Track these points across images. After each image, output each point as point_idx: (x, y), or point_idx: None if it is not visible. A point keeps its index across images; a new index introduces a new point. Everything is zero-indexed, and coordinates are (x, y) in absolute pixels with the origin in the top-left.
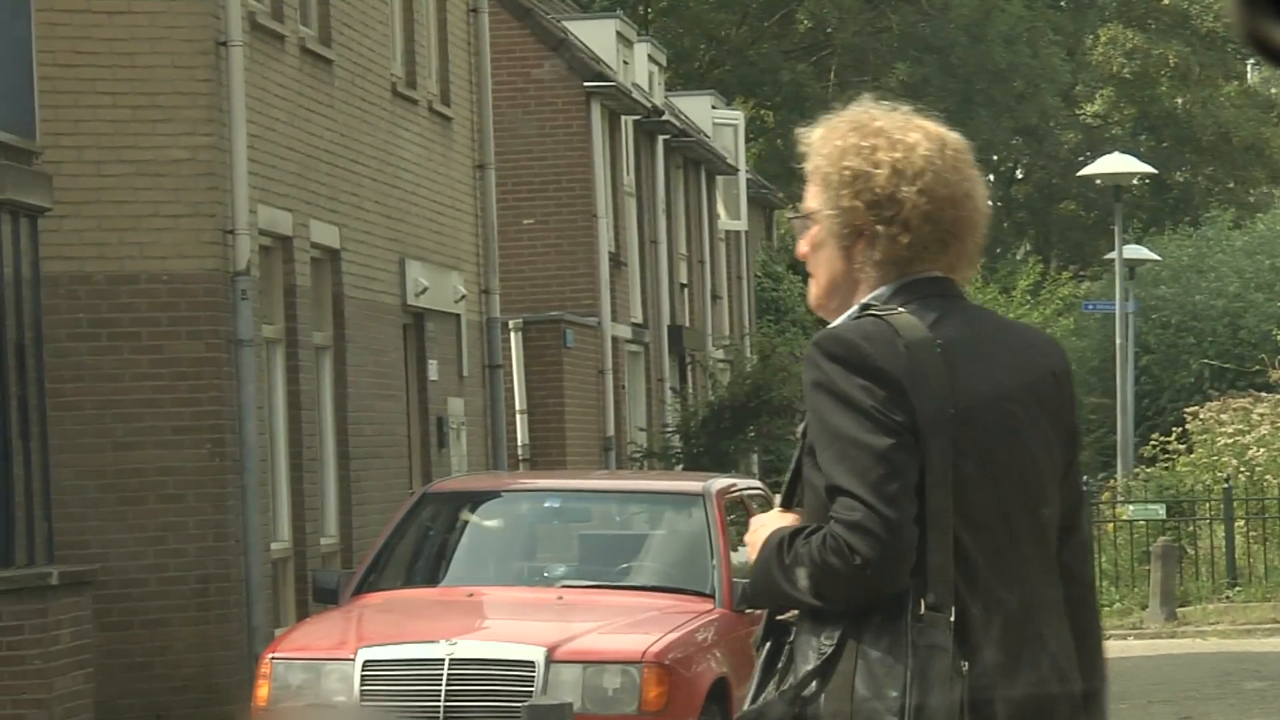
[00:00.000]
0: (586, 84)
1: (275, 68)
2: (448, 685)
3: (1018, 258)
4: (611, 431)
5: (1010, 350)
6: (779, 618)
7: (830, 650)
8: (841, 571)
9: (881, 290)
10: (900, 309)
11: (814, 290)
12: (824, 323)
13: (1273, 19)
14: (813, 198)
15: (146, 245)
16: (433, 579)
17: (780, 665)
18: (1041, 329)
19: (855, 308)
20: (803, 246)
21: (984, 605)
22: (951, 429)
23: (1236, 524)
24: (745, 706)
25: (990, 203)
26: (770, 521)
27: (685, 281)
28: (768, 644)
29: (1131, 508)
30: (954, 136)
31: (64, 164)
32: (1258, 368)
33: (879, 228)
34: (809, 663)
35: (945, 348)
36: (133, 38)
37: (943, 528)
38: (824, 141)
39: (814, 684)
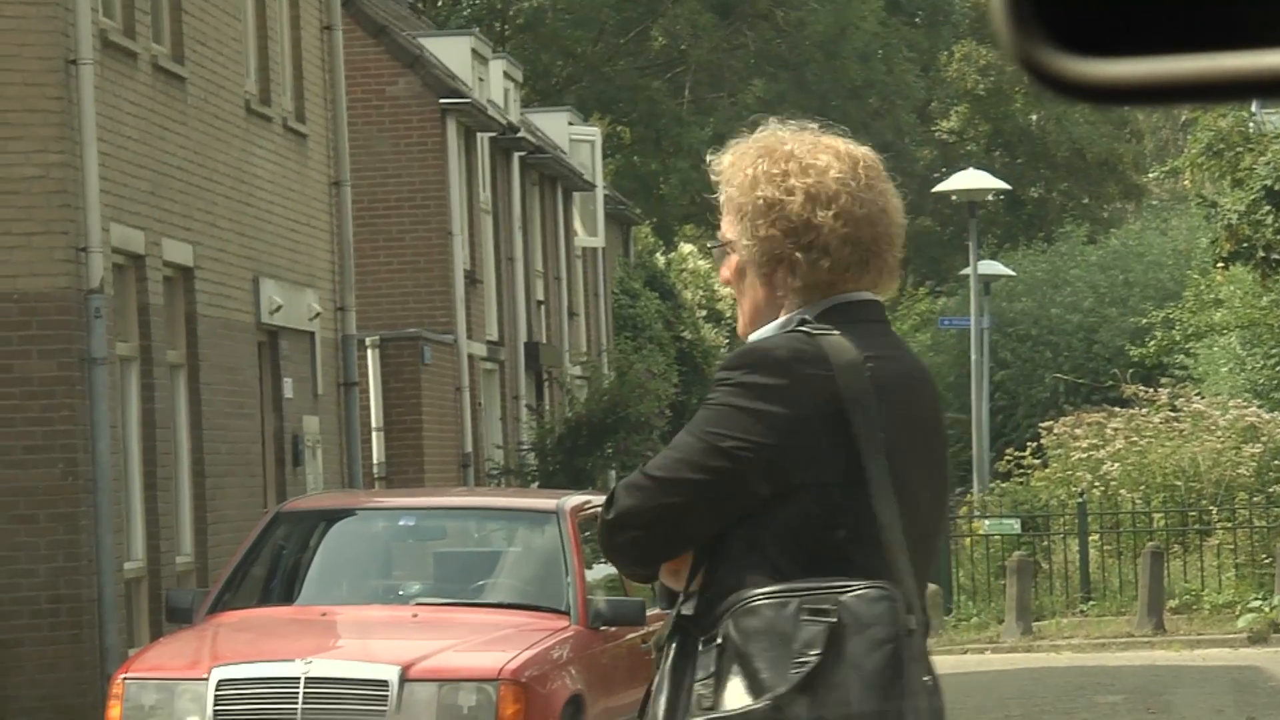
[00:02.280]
0: (442, 101)
1: (127, 85)
2: (303, 704)
3: None
4: (469, 449)
5: (919, 380)
6: (682, 614)
7: (815, 661)
8: (600, 526)
9: (805, 311)
10: (833, 331)
11: (740, 318)
12: (681, 341)
13: (1044, 43)
14: (729, 227)
15: None
16: (288, 598)
17: (710, 669)
18: None
19: (778, 322)
20: (725, 274)
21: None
22: (883, 450)
23: (1090, 538)
24: (659, 713)
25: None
26: None
27: (542, 298)
28: (673, 644)
29: (987, 523)
30: (864, 152)
31: None
32: (1111, 383)
33: (798, 254)
34: (781, 673)
35: (873, 372)
36: None
37: (898, 542)
38: (735, 170)
39: (799, 695)
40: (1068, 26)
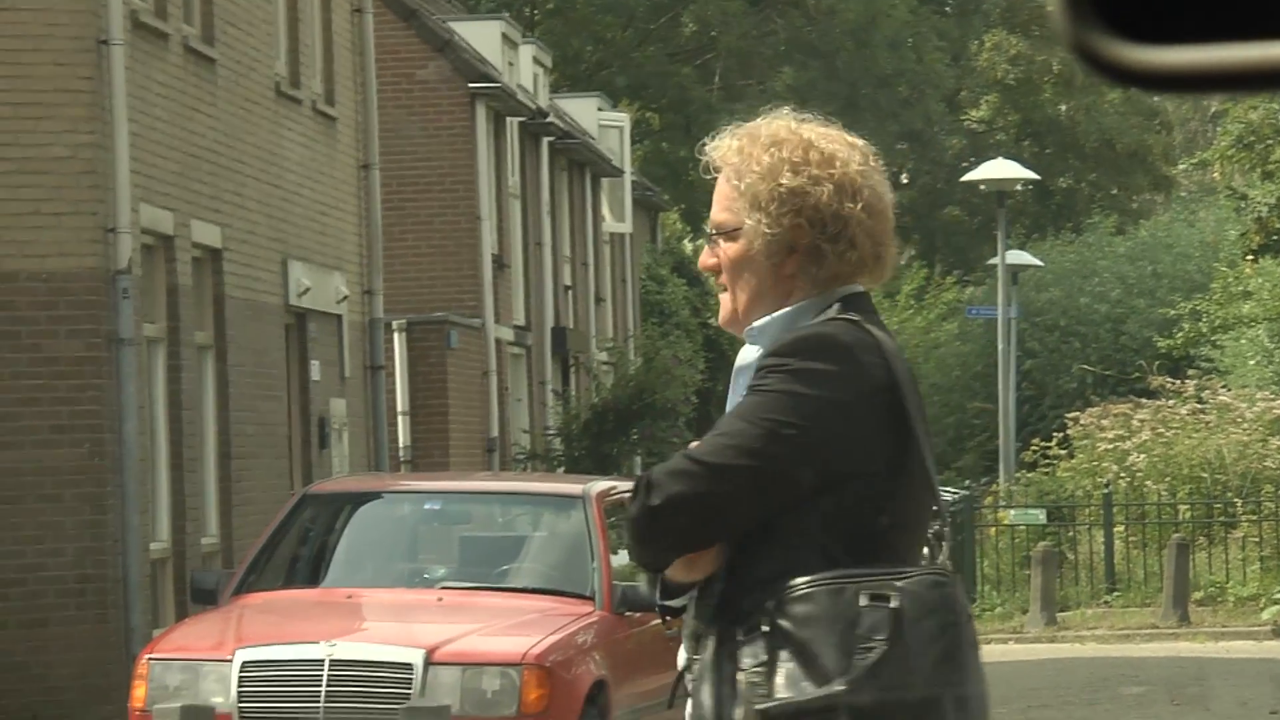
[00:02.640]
0: (471, 85)
1: (158, 66)
2: (327, 686)
3: (902, 262)
4: (495, 433)
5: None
6: (720, 603)
7: (883, 646)
8: (631, 512)
9: (820, 300)
10: (863, 320)
11: (730, 305)
12: (708, 328)
13: (1098, 31)
14: (735, 213)
15: (26, 243)
16: (313, 580)
17: (761, 658)
18: (926, 333)
19: (792, 309)
20: (708, 259)
21: None
22: (921, 438)
23: (1116, 529)
24: (706, 702)
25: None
26: None
27: (569, 284)
28: (712, 634)
29: (1013, 513)
30: (864, 144)
31: None
32: (1138, 374)
33: (825, 245)
34: (846, 658)
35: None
36: (14, 35)
37: (925, 533)
38: (746, 157)
39: (868, 678)
40: (1123, 14)
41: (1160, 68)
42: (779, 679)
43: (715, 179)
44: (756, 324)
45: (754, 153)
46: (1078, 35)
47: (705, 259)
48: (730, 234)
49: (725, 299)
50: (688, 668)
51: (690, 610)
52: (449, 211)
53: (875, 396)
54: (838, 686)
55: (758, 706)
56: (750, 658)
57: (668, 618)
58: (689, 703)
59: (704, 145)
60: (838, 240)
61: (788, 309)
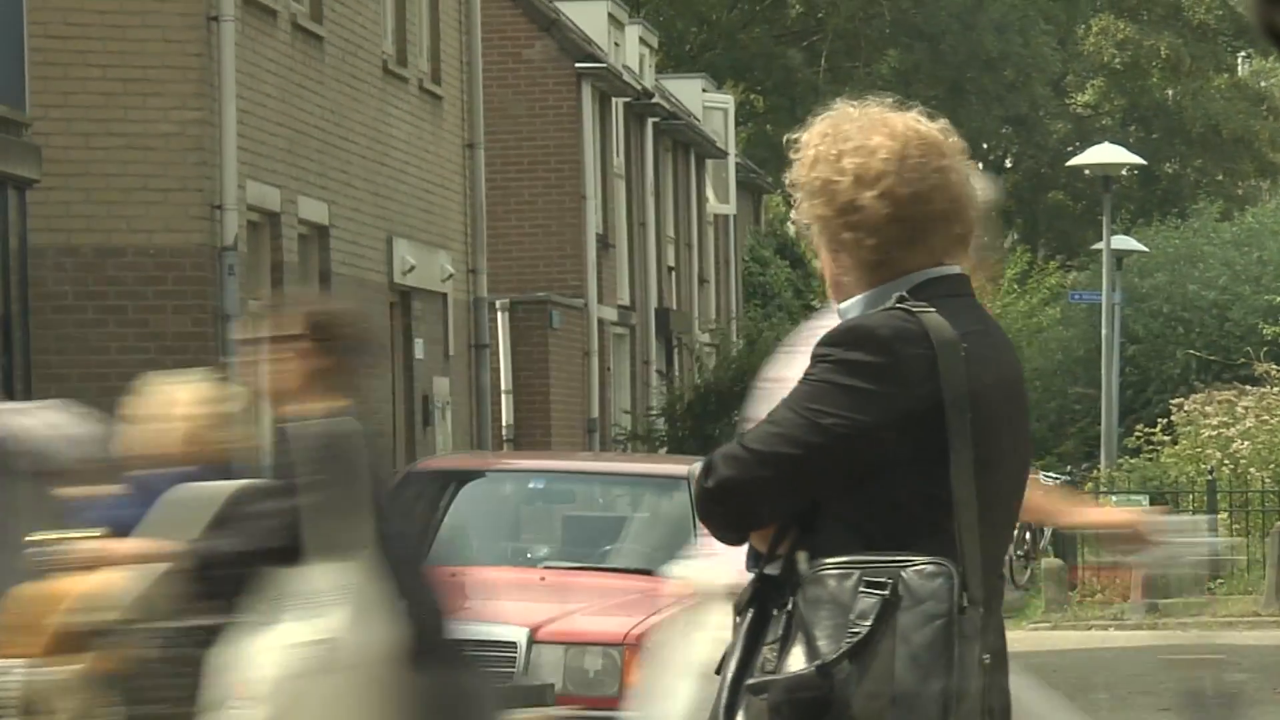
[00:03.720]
0: (577, 65)
1: (266, 44)
2: None
3: (1005, 246)
4: (596, 413)
5: (1005, 350)
6: (762, 581)
7: (865, 632)
8: (696, 493)
9: (890, 286)
10: (930, 308)
11: (831, 293)
12: (811, 309)
13: None
14: (797, 206)
15: (134, 219)
16: None
17: (779, 635)
18: (1029, 318)
19: (863, 297)
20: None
21: (986, 595)
22: (969, 431)
23: (1219, 516)
24: (729, 674)
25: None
26: None
27: (673, 265)
28: (751, 609)
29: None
30: (926, 130)
31: (53, 136)
32: (1243, 360)
33: (846, 234)
34: (835, 642)
35: (967, 350)
36: (124, 11)
37: (969, 521)
38: (801, 150)
39: (847, 664)
40: None
41: None
42: (789, 657)
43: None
44: (840, 307)
45: (805, 146)
46: (1268, 13)
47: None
48: (813, 229)
49: (831, 290)
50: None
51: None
52: (553, 191)
53: (918, 388)
54: (812, 667)
55: (748, 681)
56: (772, 634)
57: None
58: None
59: (789, 141)
60: (856, 229)
61: (866, 294)
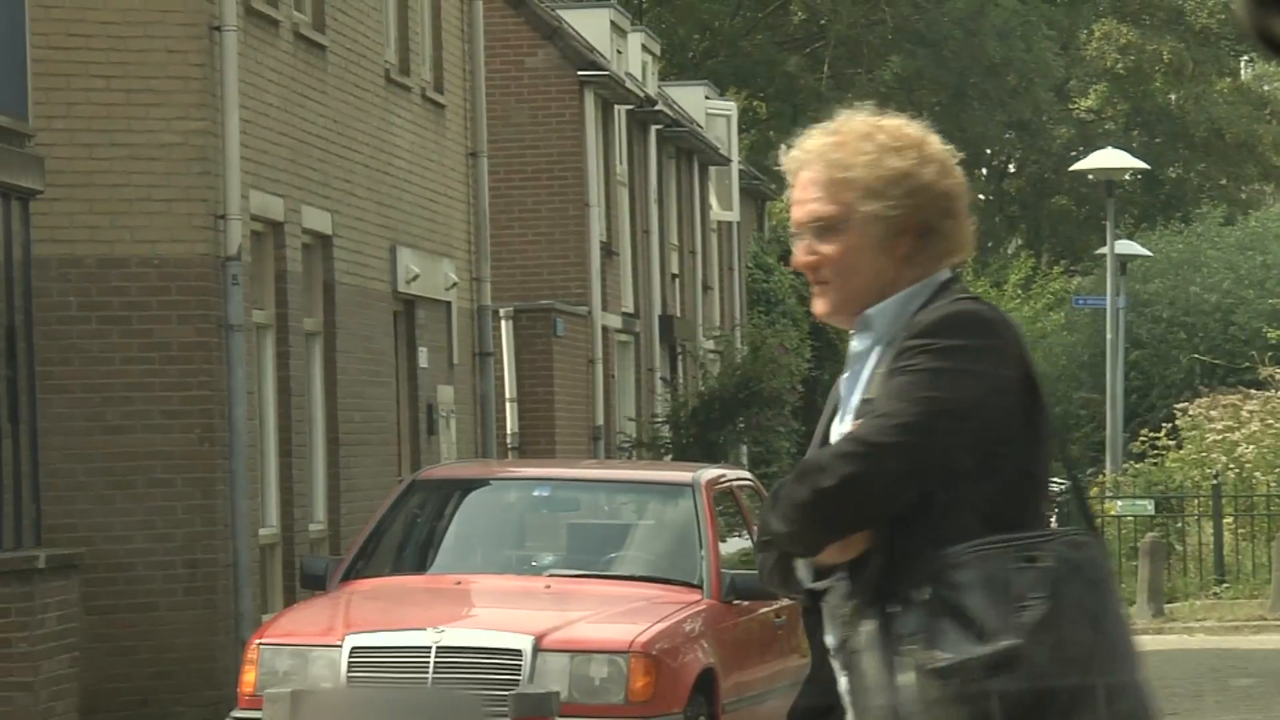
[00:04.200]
0: (580, 73)
1: (269, 53)
2: (435, 673)
3: (1009, 252)
4: (600, 421)
5: None
6: (875, 580)
7: (1042, 604)
8: (799, 497)
9: (926, 283)
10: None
11: (835, 297)
12: (809, 314)
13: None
14: (843, 204)
15: (138, 229)
16: (421, 566)
17: (918, 627)
18: (1033, 323)
19: (906, 292)
20: (805, 257)
21: None
22: (1047, 407)
23: (1225, 521)
24: (872, 671)
25: (981, 197)
26: None
27: (676, 272)
28: (871, 610)
29: (1120, 503)
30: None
31: (56, 147)
32: (1248, 365)
33: (938, 223)
34: (1004, 620)
35: None
36: (126, 21)
37: (1047, 498)
38: (846, 148)
39: (1031, 637)
40: None
41: None
42: (941, 645)
43: (794, 181)
44: (870, 311)
45: (852, 143)
46: (1259, 18)
47: (802, 257)
48: (836, 226)
49: (825, 292)
50: (841, 646)
51: (840, 589)
52: (557, 199)
53: (1016, 369)
54: (1007, 640)
55: (931, 666)
56: (911, 627)
57: (811, 602)
58: (842, 680)
59: (784, 152)
60: (947, 216)
61: (898, 295)
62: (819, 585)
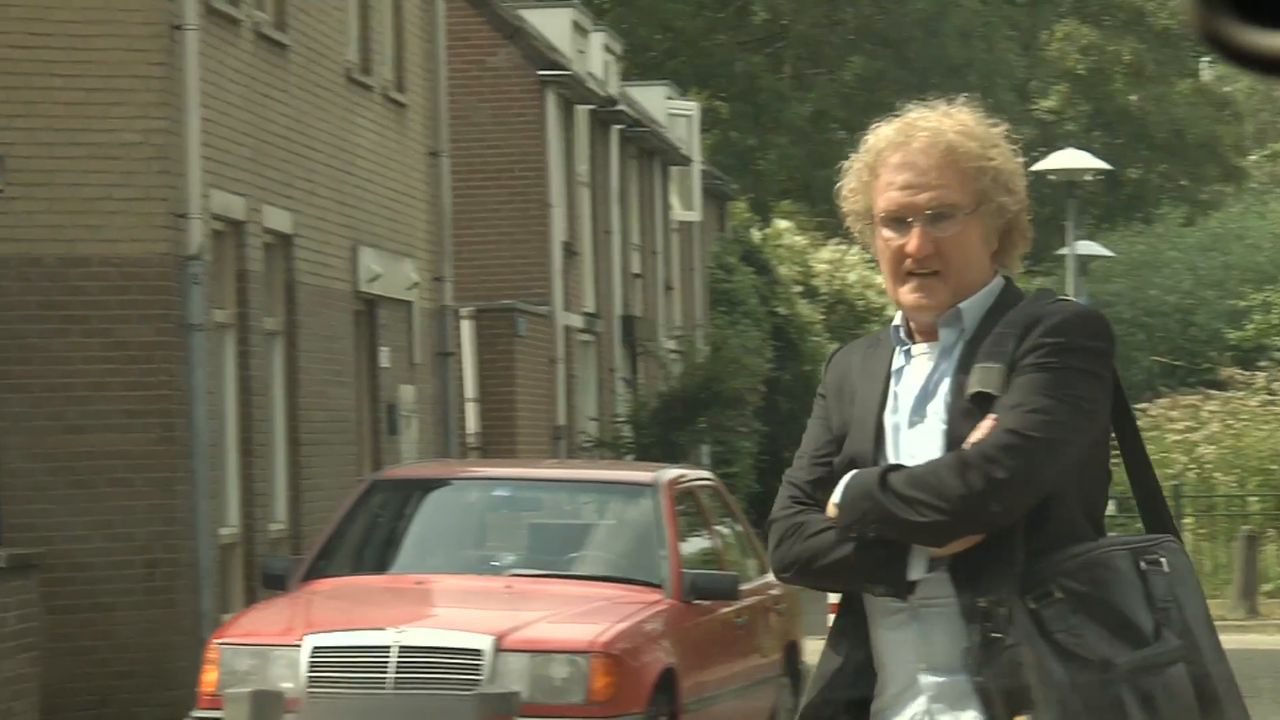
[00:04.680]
0: (541, 72)
1: (230, 52)
2: (395, 673)
3: None
4: (562, 421)
5: None
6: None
7: (1173, 608)
8: (972, 486)
9: (996, 283)
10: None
11: (947, 288)
12: (776, 316)
13: (1228, 16)
14: (972, 195)
15: (98, 228)
16: (381, 566)
17: (1068, 623)
18: None
19: (991, 286)
20: (921, 244)
21: None
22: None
23: (1185, 521)
24: (1035, 662)
25: None
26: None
27: (638, 272)
28: (1012, 603)
29: None
30: None
31: (16, 145)
32: (1208, 365)
33: (1023, 223)
34: (1150, 617)
35: None
36: (87, 20)
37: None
38: (974, 138)
39: (1178, 641)
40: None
41: None
42: (1093, 640)
43: (858, 165)
44: (963, 305)
45: (981, 134)
46: (1208, 22)
47: (922, 244)
48: (958, 216)
49: (934, 284)
50: (984, 639)
51: (939, 583)
52: (518, 199)
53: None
54: (1175, 641)
55: (1119, 661)
56: (1058, 620)
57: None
58: (981, 674)
59: (870, 132)
60: (1023, 214)
61: (982, 290)
62: (925, 576)
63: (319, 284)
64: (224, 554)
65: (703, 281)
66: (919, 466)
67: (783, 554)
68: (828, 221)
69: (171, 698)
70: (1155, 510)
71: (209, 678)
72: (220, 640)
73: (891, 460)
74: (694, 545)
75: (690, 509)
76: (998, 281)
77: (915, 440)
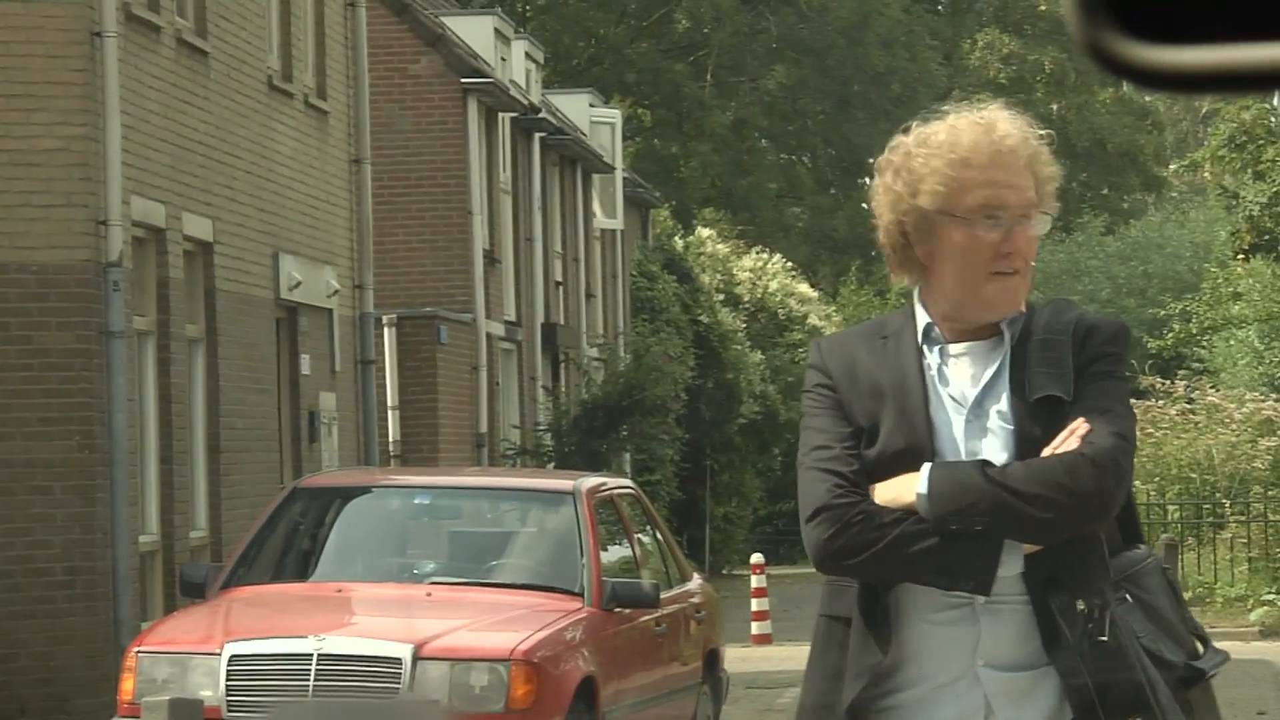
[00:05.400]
0: (463, 80)
1: (150, 59)
2: (315, 680)
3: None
4: (484, 429)
5: None
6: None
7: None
8: (1100, 485)
9: None
10: None
11: (1022, 288)
12: (698, 324)
13: (1113, 30)
14: (1038, 199)
15: (17, 235)
16: (302, 574)
17: (1147, 627)
18: None
19: (1032, 298)
20: (1019, 244)
21: None
22: None
23: None
24: (1137, 662)
25: (864, 206)
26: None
27: (560, 279)
28: (1094, 604)
29: None
30: None
31: None
32: (1129, 374)
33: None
34: (1184, 627)
35: None
36: (6, 26)
37: None
38: (1039, 141)
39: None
40: (1135, 13)
41: (1172, 67)
42: (1164, 644)
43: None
44: (1023, 306)
45: (1036, 138)
46: (1091, 35)
47: (1019, 244)
48: (1032, 218)
49: (1016, 283)
50: (1090, 640)
51: (1012, 582)
52: (440, 206)
53: None
54: (1216, 646)
55: (1205, 665)
56: (1138, 625)
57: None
58: (1081, 676)
59: (916, 123)
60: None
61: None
62: (1013, 572)
63: (240, 291)
64: (144, 562)
65: (625, 289)
66: (1033, 462)
67: (847, 541)
68: (749, 230)
69: (91, 706)
70: (1132, 521)
71: (127, 686)
72: (139, 648)
73: (947, 457)
74: (614, 553)
75: (611, 517)
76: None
77: (973, 439)
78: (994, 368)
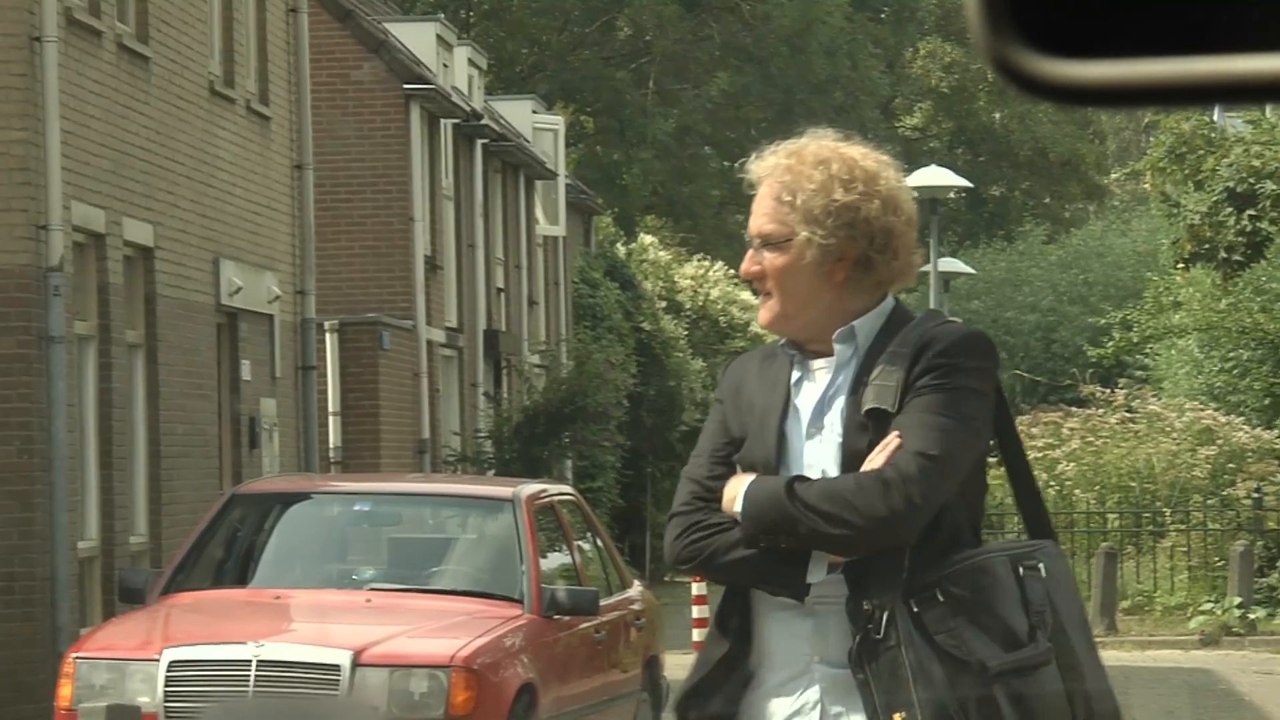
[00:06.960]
0: (406, 86)
1: (91, 64)
2: (254, 686)
3: None
4: (426, 435)
5: None
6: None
7: (1048, 611)
8: (893, 506)
9: (884, 304)
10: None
11: (776, 307)
12: (641, 331)
13: (1016, 42)
14: (786, 225)
15: None
16: (241, 580)
17: (948, 625)
18: None
19: (878, 310)
20: (750, 267)
21: None
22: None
23: None
24: (916, 664)
25: None
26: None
27: (502, 286)
28: (895, 606)
29: None
30: (893, 161)
31: None
32: (1069, 382)
33: (873, 255)
34: (1025, 621)
35: None
36: None
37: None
38: (797, 174)
39: (1049, 645)
40: (1040, 27)
41: (1076, 81)
42: (971, 642)
43: (754, 193)
44: (855, 323)
45: (805, 170)
46: (995, 48)
47: (748, 266)
48: (779, 245)
49: (770, 303)
50: (865, 640)
51: (831, 586)
52: (382, 213)
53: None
54: (1046, 644)
55: (992, 664)
56: (938, 623)
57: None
58: (863, 672)
59: (745, 163)
60: (884, 250)
61: (873, 312)
62: (820, 579)
63: (180, 297)
64: (83, 567)
65: (567, 296)
66: (832, 481)
67: (682, 548)
68: (691, 237)
69: (28, 712)
70: (1037, 516)
71: (65, 692)
72: (77, 654)
73: (792, 469)
74: (554, 560)
75: (551, 524)
76: (889, 302)
77: (812, 450)
78: (840, 381)
